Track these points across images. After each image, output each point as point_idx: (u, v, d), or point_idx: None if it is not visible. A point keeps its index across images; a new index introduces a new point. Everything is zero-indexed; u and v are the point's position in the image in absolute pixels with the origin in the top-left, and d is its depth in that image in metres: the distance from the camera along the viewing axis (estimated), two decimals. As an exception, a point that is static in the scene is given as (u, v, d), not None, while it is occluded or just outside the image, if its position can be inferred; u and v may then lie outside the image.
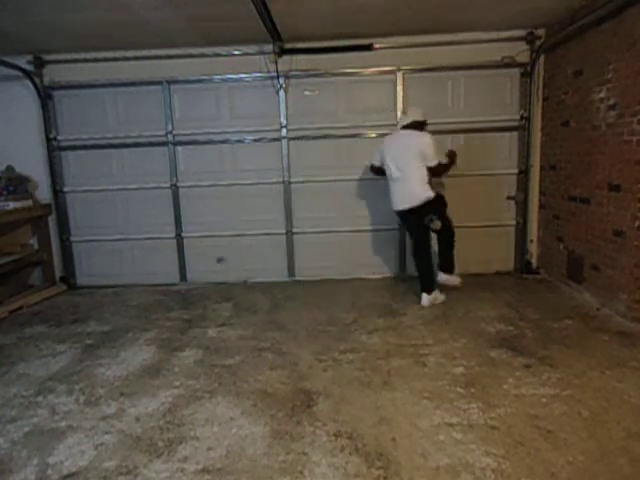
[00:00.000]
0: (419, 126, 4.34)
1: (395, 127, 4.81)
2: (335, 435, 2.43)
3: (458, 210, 5.30)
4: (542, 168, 5.26)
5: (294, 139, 5.33)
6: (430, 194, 4.22)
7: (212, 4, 3.82)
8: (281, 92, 5.23)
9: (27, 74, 5.11)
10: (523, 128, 5.23)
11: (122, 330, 4.10)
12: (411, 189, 4.26)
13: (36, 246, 5.49)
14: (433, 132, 5.06)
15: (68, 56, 5.16)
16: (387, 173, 4.45)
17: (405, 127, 4.38)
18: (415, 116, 4.37)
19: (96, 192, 5.47)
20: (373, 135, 5.25)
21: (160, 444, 2.42)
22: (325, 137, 5.31)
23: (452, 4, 4.10)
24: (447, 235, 4.42)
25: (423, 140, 4.20)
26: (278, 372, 3.17)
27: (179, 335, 3.93)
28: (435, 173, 4.34)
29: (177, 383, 3.08)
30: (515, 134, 5.26)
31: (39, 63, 5.19)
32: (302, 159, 5.36)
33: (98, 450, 2.40)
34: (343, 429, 2.48)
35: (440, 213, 4.32)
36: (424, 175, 4.24)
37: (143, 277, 5.57)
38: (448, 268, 4.51)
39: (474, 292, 4.72)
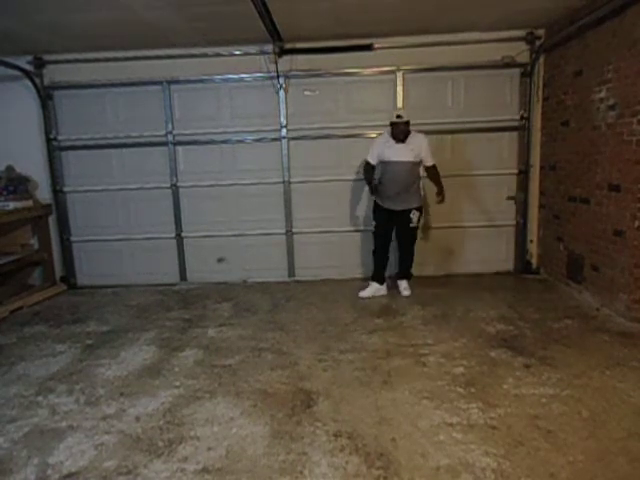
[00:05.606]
0: None
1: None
2: (335, 435, 2.43)
3: (458, 210, 5.35)
4: (542, 168, 5.26)
5: (294, 139, 5.33)
6: None
7: (212, 4, 3.81)
8: (281, 92, 5.22)
9: (27, 74, 5.11)
10: (523, 128, 5.23)
11: (122, 330, 4.10)
12: None
13: (36, 246, 5.48)
14: (433, 132, 5.09)
15: (68, 56, 5.16)
16: None
17: None
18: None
19: (96, 192, 5.47)
20: (373, 135, 5.24)
21: (160, 444, 2.42)
22: (325, 137, 5.30)
23: (452, 4, 4.10)
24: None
25: None
26: (278, 372, 3.17)
27: (179, 335, 3.93)
28: None
29: (177, 383, 3.08)
30: (515, 134, 5.26)
31: (39, 63, 5.19)
32: (302, 159, 5.35)
33: (98, 450, 2.40)
34: (343, 429, 2.48)
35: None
36: None
37: (143, 277, 5.57)
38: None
39: (474, 292, 4.72)
